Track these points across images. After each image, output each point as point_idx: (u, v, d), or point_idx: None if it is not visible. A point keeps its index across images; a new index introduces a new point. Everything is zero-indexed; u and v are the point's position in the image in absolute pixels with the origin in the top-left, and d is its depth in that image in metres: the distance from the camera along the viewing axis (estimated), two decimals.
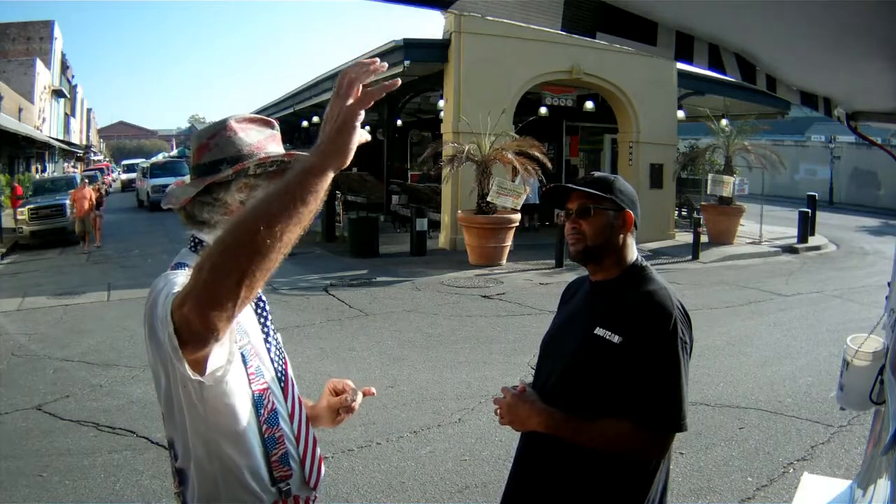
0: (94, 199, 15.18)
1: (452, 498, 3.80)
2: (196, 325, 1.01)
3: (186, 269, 1.30)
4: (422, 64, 13.64)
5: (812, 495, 2.64)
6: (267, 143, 1.41)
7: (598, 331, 1.66)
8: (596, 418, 1.62)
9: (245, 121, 1.42)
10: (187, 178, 1.47)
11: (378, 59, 1.08)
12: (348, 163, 1.06)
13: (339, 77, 1.07)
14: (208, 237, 1.37)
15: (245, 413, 1.30)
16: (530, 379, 1.92)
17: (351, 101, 1.05)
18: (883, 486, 1.94)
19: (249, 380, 1.32)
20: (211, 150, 1.38)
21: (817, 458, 4.25)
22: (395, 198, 17.96)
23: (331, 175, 1.04)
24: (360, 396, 1.65)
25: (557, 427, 1.66)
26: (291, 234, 1.00)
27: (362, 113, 1.05)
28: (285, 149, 1.46)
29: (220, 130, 1.39)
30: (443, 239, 13.63)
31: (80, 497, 3.84)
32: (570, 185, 1.80)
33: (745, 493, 3.80)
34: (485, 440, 4.47)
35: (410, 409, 5.11)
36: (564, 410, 1.66)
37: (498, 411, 1.76)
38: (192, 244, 1.40)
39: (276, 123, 1.48)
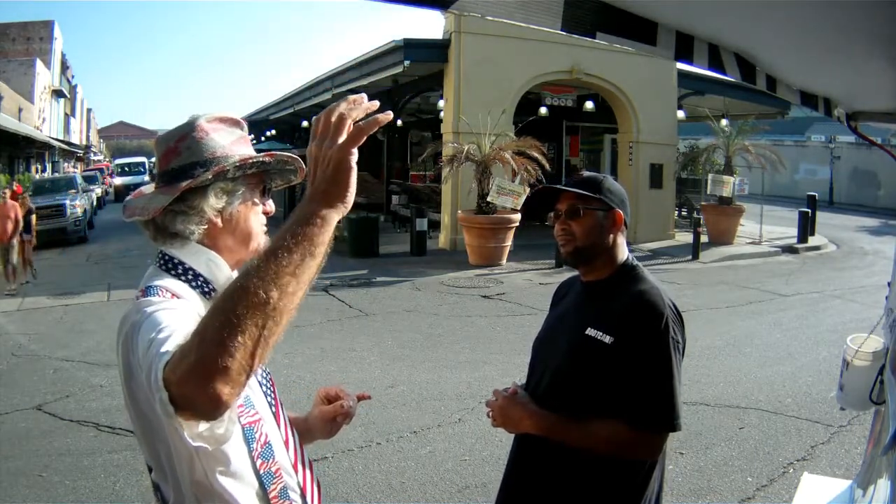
0: (19, 218, 10.85)
1: (452, 498, 3.80)
2: (205, 405, 0.88)
3: (159, 293, 1.16)
4: (422, 64, 13.64)
5: (812, 495, 2.63)
6: (237, 145, 1.30)
7: (590, 331, 1.66)
8: (589, 419, 1.61)
9: (215, 120, 1.30)
10: (146, 189, 1.34)
11: (366, 97, 0.98)
12: (350, 206, 0.97)
13: (325, 115, 0.96)
14: (179, 252, 1.25)
15: (237, 453, 1.16)
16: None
17: (342, 138, 0.95)
18: (883, 486, 1.93)
19: (238, 414, 1.16)
20: (181, 153, 1.25)
21: (817, 458, 4.25)
22: (395, 198, 17.97)
23: (335, 222, 0.95)
24: (356, 401, 1.59)
25: (550, 429, 1.65)
26: (302, 292, 0.92)
27: (356, 151, 0.96)
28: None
29: (189, 132, 1.26)
30: (443, 239, 13.63)
31: (80, 497, 3.84)
32: (558, 186, 1.80)
33: (745, 493, 3.80)
34: (485, 440, 4.47)
35: (410, 409, 5.11)
36: (557, 411, 1.66)
37: (490, 414, 1.76)
38: (161, 261, 1.26)
39: (245, 124, 1.37)
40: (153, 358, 0.95)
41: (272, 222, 1.39)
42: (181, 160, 1.25)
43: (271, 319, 0.87)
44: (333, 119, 0.95)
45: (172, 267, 1.24)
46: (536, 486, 1.73)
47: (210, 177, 1.21)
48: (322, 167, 0.95)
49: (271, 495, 1.21)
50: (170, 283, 1.21)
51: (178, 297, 1.17)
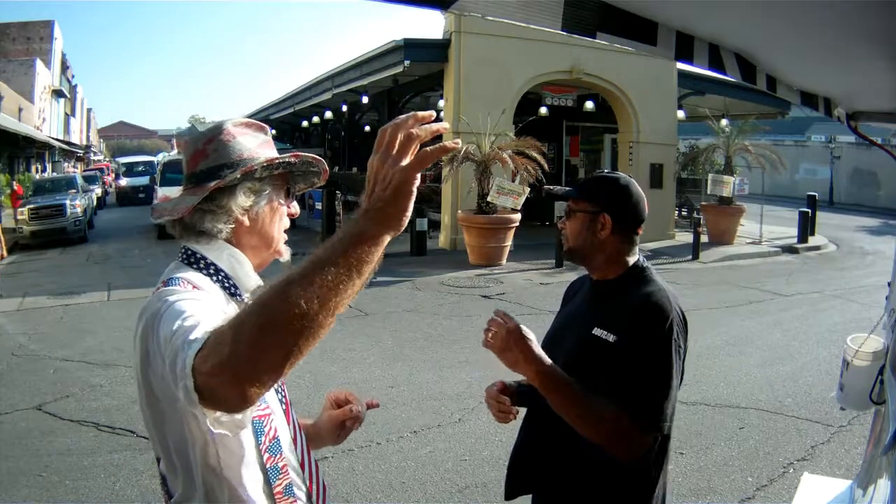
0: None
1: (452, 498, 3.80)
2: (230, 401, 0.90)
3: (181, 284, 1.18)
4: (422, 64, 13.64)
5: (812, 495, 2.64)
6: (263, 148, 1.33)
7: (596, 331, 1.65)
8: (589, 395, 1.55)
9: (241, 125, 1.34)
10: (172, 192, 1.37)
11: (434, 114, 0.95)
12: (403, 229, 0.96)
13: (391, 129, 0.93)
14: (202, 248, 1.27)
15: (245, 444, 1.17)
16: None
17: (407, 161, 0.91)
18: (883, 486, 1.93)
19: None
20: (209, 155, 1.29)
21: (817, 458, 4.25)
22: None
23: (386, 243, 0.94)
24: (364, 406, 1.59)
25: (551, 383, 1.55)
26: (342, 308, 0.90)
27: (419, 176, 0.93)
28: (285, 149, 1.39)
29: (216, 135, 1.30)
30: (443, 239, 13.63)
31: (80, 497, 3.84)
32: (551, 187, 1.83)
33: (745, 493, 3.80)
34: (485, 440, 4.47)
35: (410, 409, 5.11)
36: None
37: (488, 333, 1.59)
38: (183, 256, 1.28)
39: (268, 129, 1.41)
40: (180, 346, 0.95)
41: (293, 224, 1.42)
42: (209, 162, 1.28)
43: (308, 331, 0.87)
44: (400, 137, 0.92)
45: (195, 261, 1.26)
46: (544, 477, 1.73)
47: (238, 176, 1.24)
48: (381, 185, 0.92)
49: (275, 490, 1.21)
50: (192, 275, 1.22)
51: (199, 289, 1.18)
